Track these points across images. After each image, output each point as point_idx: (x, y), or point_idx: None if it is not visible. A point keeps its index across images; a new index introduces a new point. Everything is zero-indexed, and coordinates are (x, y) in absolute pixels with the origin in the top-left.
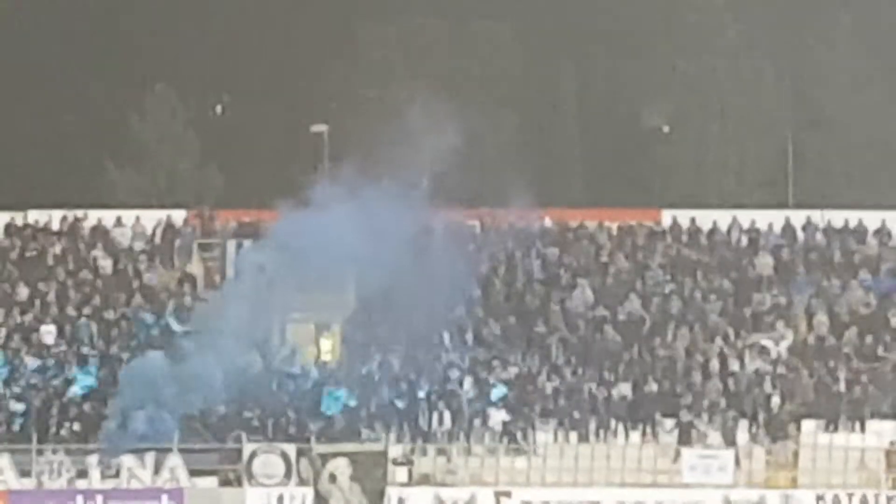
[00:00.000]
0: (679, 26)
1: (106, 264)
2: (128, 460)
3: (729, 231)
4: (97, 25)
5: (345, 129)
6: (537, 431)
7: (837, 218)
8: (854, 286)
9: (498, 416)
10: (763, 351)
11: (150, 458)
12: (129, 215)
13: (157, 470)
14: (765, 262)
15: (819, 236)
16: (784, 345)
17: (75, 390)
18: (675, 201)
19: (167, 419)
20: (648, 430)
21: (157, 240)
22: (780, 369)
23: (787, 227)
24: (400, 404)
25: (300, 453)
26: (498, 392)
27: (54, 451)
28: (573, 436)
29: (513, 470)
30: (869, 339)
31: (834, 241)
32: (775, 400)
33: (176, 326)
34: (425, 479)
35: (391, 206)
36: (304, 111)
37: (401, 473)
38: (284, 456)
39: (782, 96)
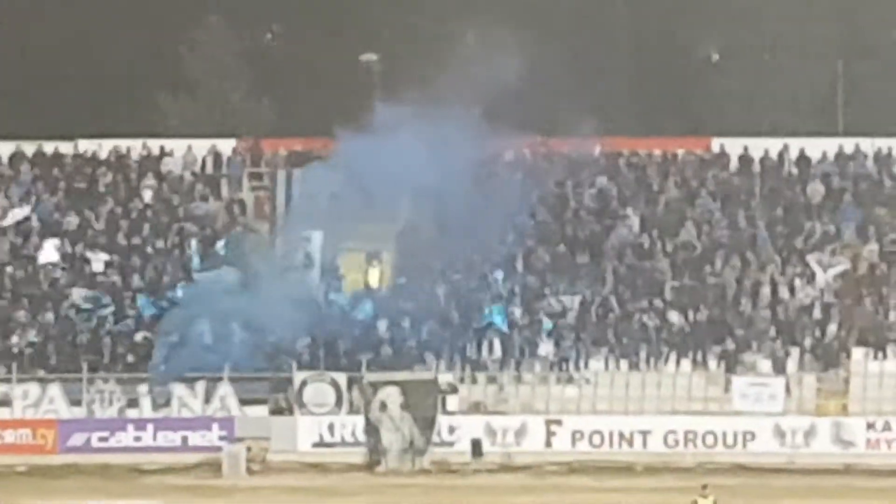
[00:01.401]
0: None
1: (154, 194)
2: (178, 389)
3: (779, 159)
4: None
5: (395, 59)
6: (588, 360)
7: (887, 146)
8: None
9: (549, 345)
10: (813, 279)
11: (200, 386)
12: (178, 145)
13: (207, 399)
14: (815, 191)
15: (869, 164)
16: (833, 273)
17: (126, 320)
18: (725, 130)
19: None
20: (699, 358)
21: (206, 169)
22: (830, 297)
23: (838, 156)
24: (450, 333)
25: (351, 382)
26: (548, 321)
27: (105, 381)
28: (624, 364)
29: (563, 398)
30: None
31: (884, 168)
32: (825, 328)
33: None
34: (476, 408)
35: (442, 136)
36: (355, 40)
37: (451, 401)
38: (335, 384)
39: (832, 24)
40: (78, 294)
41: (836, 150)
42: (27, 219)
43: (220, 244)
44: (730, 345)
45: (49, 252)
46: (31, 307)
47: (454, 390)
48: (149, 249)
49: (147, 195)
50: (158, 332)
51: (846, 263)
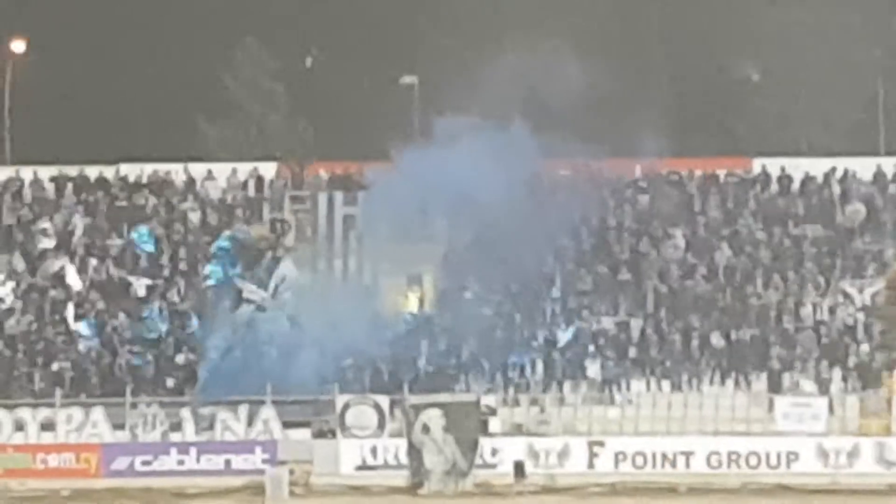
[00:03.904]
0: None
1: (196, 217)
2: (221, 412)
3: (820, 179)
4: None
5: (434, 81)
6: (630, 381)
7: None
8: None
9: (591, 367)
10: (855, 299)
11: (243, 410)
12: (219, 168)
13: (250, 422)
14: (856, 210)
15: None
16: (876, 292)
17: (168, 343)
18: (765, 150)
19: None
20: (741, 378)
21: (249, 193)
22: (873, 317)
23: (878, 175)
24: (492, 354)
25: (393, 404)
26: (590, 342)
27: (148, 404)
28: (666, 385)
29: (606, 419)
30: None
31: None
32: (867, 348)
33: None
34: (518, 429)
35: (481, 158)
36: (394, 62)
37: (494, 423)
38: (377, 407)
39: (872, 44)
40: (120, 317)
41: (876, 169)
42: (70, 243)
43: (260, 266)
44: (772, 365)
45: (91, 276)
46: (74, 331)
47: (495, 412)
48: (191, 273)
49: (189, 218)
50: (201, 355)
51: (880, 283)
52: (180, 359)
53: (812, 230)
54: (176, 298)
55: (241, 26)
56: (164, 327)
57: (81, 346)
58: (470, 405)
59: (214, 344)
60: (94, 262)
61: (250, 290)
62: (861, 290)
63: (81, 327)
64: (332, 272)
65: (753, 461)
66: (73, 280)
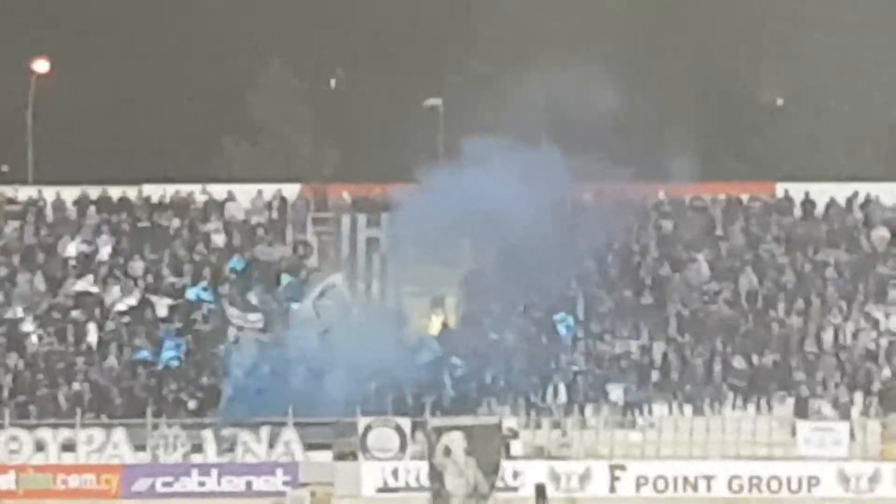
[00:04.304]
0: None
1: (219, 238)
2: (243, 434)
3: (843, 204)
4: (212, 2)
5: (459, 103)
6: (652, 404)
7: None
8: None
9: (613, 390)
10: (877, 324)
11: (265, 432)
12: (243, 189)
13: (272, 444)
14: (880, 236)
15: None
16: None
17: (191, 364)
18: (789, 175)
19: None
20: (763, 403)
21: (272, 214)
22: (895, 342)
23: None
24: (514, 377)
25: (415, 427)
26: (612, 366)
27: (169, 426)
28: (688, 409)
29: (627, 443)
30: None
31: None
32: (889, 373)
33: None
34: (540, 452)
35: (506, 181)
36: (419, 85)
37: (516, 446)
38: (399, 429)
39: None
40: (143, 338)
41: None
42: (92, 263)
43: (283, 288)
44: (794, 389)
45: (114, 296)
46: (96, 351)
47: (517, 435)
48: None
49: (213, 239)
50: (223, 376)
51: None
52: (202, 380)
53: (835, 255)
54: (197, 321)
55: (267, 48)
56: (185, 348)
57: (103, 367)
58: (492, 428)
59: (239, 361)
60: (116, 282)
61: (233, 314)
62: (888, 316)
63: (103, 348)
64: (355, 294)
65: (775, 486)
66: (113, 298)
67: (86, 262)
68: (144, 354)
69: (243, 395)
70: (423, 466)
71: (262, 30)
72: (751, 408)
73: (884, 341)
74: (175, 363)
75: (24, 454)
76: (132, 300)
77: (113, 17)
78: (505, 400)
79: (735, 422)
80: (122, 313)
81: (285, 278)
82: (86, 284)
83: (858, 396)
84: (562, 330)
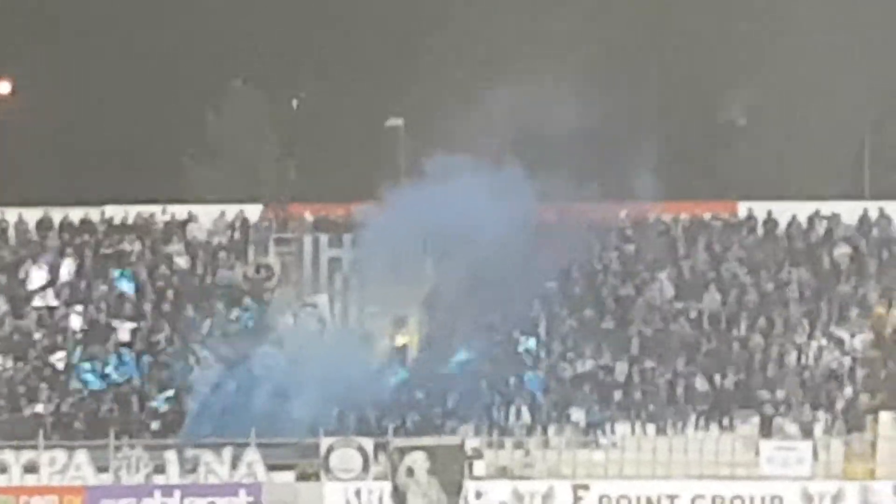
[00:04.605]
0: (756, 20)
1: (182, 260)
2: (205, 455)
3: (805, 223)
4: (173, 22)
5: (421, 124)
6: (615, 424)
7: None
8: None
9: (576, 410)
10: (840, 343)
11: (227, 452)
12: (205, 210)
13: (234, 465)
14: (841, 254)
15: (895, 228)
16: (861, 337)
17: (152, 386)
18: (751, 194)
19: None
20: (726, 422)
21: (234, 235)
22: (857, 361)
23: (864, 219)
24: (477, 398)
25: (378, 447)
26: (575, 385)
27: (132, 447)
28: (650, 428)
29: (590, 463)
30: None
31: None
32: (852, 391)
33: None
34: (503, 473)
35: (467, 200)
36: (381, 105)
37: (478, 467)
38: (362, 450)
39: (859, 89)
40: (104, 360)
41: (861, 213)
42: (54, 286)
43: (245, 309)
44: (757, 409)
45: (75, 318)
46: (58, 374)
47: (480, 455)
48: (174, 316)
49: (174, 261)
50: (185, 398)
51: (872, 330)
52: (165, 403)
53: (797, 274)
54: (160, 343)
55: (228, 68)
56: (147, 370)
57: (65, 389)
58: (454, 448)
59: (201, 383)
60: (78, 305)
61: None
62: (853, 335)
63: (66, 370)
64: (317, 314)
65: None
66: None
67: (48, 285)
68: (109, 374)
69: (206, 416)
70: (386, 487)
71: (224, 50)
72: (714, 427)
73: (846, 360)
74: (135, 384)
75: None
76: (95, 322)
77: (74, 39)
78: (468, 420)
79: (698, 441)
80: (84, 335)
81: (247, 301)
82: (48, 306)
83: (821, 415)
84: (524, 350)
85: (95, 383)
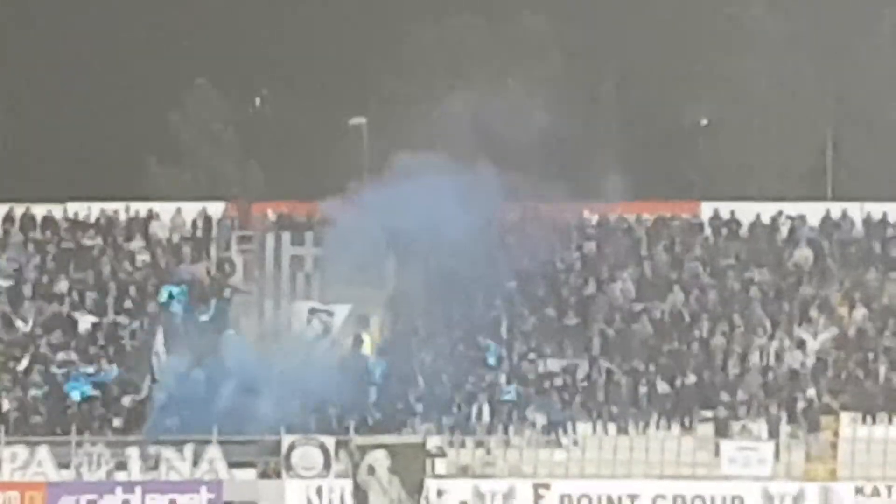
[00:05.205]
0: (719, 21)
1: (144, 257)
2: (166, 452)
3: (768, 224)
4: (136, 21)
5: (383, 122)
6: (576, 424)
7: (876, 210)
8: (893, 278)
9: (537, 409)
10: (802, 344)
11: (188, 449)
12: (167, 208)
13: (195, 462)
14: (804, 255)
15: (857, 229)
16: (823, 337)
17: (112, 382)
18: (713, 194)
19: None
20: (687, 422)
21: (196, 232)
22: (819, 362)
23: (826, 220)
24: (438, 396)
25: (339, 445)
26: (536, 385)
27: (93, 443)
28: (612, 428)
29: (551, 462)
30: None
31: (873, 233)
32: (814, 392)
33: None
34: (464, 471)
35: (429, 200)
36: (344, 104)
37: (440, 465)
38: (323, 448)
39: (821, 90)
40: (66, 357)
41: (824, 214)
42: (16, 281)
43: (208, 307)
44: (718, 409)
45: (39, 314)
46: (20, 370)
47: (442, 454)
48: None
49: (136, 258)
50: (146, 394)
51: (834, 331)
52: (126, 399)
53: (760, 275)
54: (122, 339)
55: (191, 67)
56: (109, 367)
57: (27, 385)
58: (416, 447)
59: (160, 383)
60: (40, 300)
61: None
62: (815, 336)
63: (27, 366)
64: (279, 313)
65: None
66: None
67: (11, 280)
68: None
69: (168, 413)
70: (348, 485)
71: (186, 49)
72: (675, 427)
73: (809, 361)
74: (97, 380)
75: None
76: (57, 318)
77: (36, 37)
78: (429, 418)
79: (659, 441)
80: (47, 331)
81: (212, 300)
82: (10, 303)
83: (783, 416)
84: (486, 349)
85: (57, 379)
